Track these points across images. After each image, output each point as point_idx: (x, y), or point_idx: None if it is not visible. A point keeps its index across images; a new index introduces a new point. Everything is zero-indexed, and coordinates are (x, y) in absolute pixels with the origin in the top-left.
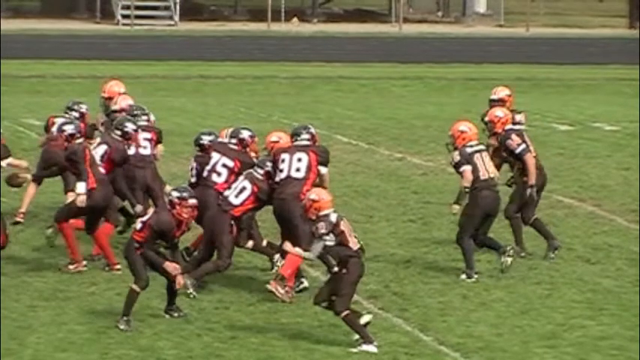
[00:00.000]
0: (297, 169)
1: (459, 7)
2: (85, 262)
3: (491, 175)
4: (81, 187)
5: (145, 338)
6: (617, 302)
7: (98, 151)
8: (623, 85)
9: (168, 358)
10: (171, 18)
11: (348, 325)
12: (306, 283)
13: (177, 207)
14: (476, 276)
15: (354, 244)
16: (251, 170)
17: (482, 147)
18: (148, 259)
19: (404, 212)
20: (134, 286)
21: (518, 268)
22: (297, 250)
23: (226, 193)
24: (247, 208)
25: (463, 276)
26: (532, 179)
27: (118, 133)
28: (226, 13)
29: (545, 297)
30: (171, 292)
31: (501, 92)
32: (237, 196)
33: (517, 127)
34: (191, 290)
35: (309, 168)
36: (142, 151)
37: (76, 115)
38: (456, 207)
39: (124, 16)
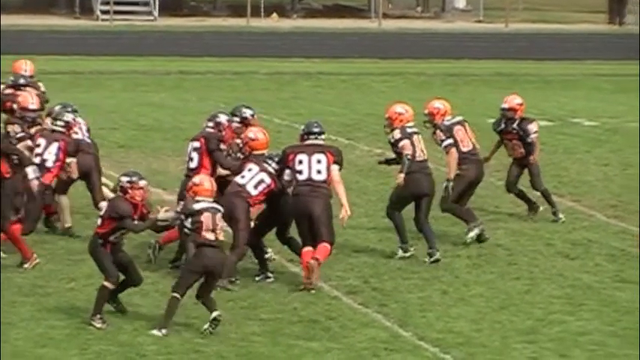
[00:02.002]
0: (319, 171)
1: (439, 2)
2: (36, 255)
3: (425, 157)
4: (31, 171)
5: (124, 334)
6: (596, 298)
7: (194, 144)
8: (602, 80)
9: (147, 353)
10: (150, 13)
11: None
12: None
13: (130, 191)
14: (412, 249)
15: (208, 238)
16: (264, 163)
17: (417, 130)
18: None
19: (384, 208)
20: (106, 283)
21: (498, 264)
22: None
23: (241, 181)
24: (260, 199)
25: (400, 252)
26: (451, 174)
27: (211, 124)
28: (206, 9)
29: (524, 292)
30: (124, 286)
31: (513, 101)
32: (255, 187)
33: (454, 119)
34: (229, 287)
35: (327, 169)
36: (86, 138)
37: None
38: (402, 176)
39: (104, 12)
